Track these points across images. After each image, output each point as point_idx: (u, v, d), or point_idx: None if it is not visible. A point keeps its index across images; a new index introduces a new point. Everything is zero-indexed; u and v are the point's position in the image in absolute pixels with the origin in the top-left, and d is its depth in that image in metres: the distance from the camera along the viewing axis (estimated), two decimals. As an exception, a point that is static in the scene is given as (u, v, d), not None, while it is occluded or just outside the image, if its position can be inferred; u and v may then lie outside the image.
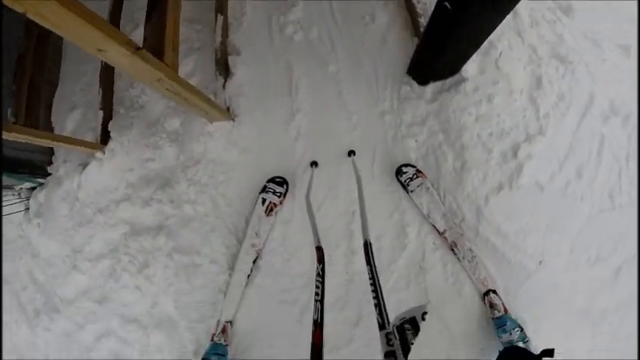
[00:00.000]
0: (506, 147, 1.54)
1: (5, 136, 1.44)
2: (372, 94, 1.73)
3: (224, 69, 1.79)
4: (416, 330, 0.74)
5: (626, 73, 1.71)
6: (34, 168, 2.22)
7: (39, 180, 2.24)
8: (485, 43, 1.54)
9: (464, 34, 1.33)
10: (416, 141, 1.65)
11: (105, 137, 1.92)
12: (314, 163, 1.70)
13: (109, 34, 0.94)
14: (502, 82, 1.57)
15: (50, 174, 2.21)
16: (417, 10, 1.74)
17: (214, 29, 1.79)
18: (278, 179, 1.69)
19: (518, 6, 1.28)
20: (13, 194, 2.23)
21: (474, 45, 1.44)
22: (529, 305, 1.53)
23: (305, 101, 1.77)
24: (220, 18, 1.86)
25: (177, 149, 1.79)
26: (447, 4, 1.21)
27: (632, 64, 1.71)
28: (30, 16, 0.78)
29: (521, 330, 1.45)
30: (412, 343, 0.73)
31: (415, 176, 1.59)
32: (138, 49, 1.08)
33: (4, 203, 1.99)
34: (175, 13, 1.30)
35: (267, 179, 1.72)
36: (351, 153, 1.68)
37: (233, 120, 1.75)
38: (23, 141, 1.64)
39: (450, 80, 1.62)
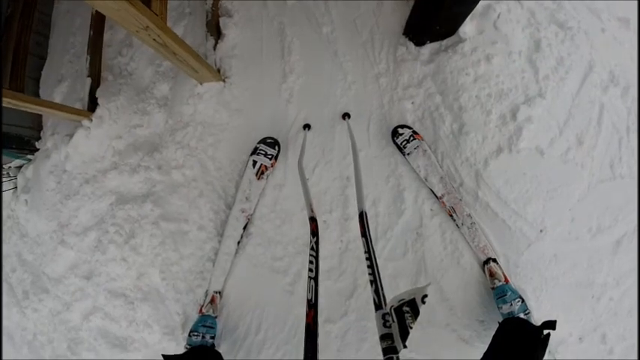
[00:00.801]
0: (505, 109, 1.50)
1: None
2: (367, 56, 1.69)
3: (215, 30, 1.74)
4: (415, 313, 0.69)
5: (625, 45, 1.68)
6: (23, 144, 2.18)
7: (28, 157, 2.19)
8: (483, 4, 1.52)
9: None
10: (412, 103, 1.60)
11: (92, 105, 1.87)
12: (307, 126, 1.65)
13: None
14: (501, 43, 1.53)
15: (38, 149, 2.16)
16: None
17: (205, -8, 1.74)
18: (269, 140, 1.64)
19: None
20: (2, 173, 2.17)
21: (471, 2, 1.40)
22: (530, 275, 1.49)
23: (298, 63, 1.72)
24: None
25: (165, 114, 1.74)
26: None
27: (632, 37, 1.69)
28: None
29: (522, 301, 1.40)
30: (411, 327, 0.69)
31: (412, 138, 1.54)
32: (124, -9, 1.05)
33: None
34: (163, -42, 1.26)
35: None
36: (346, 116, 1.63)
37: (224, 81, 1.70)
38: (7, 106, 1.58)
39: (447, 41, 1.58)
